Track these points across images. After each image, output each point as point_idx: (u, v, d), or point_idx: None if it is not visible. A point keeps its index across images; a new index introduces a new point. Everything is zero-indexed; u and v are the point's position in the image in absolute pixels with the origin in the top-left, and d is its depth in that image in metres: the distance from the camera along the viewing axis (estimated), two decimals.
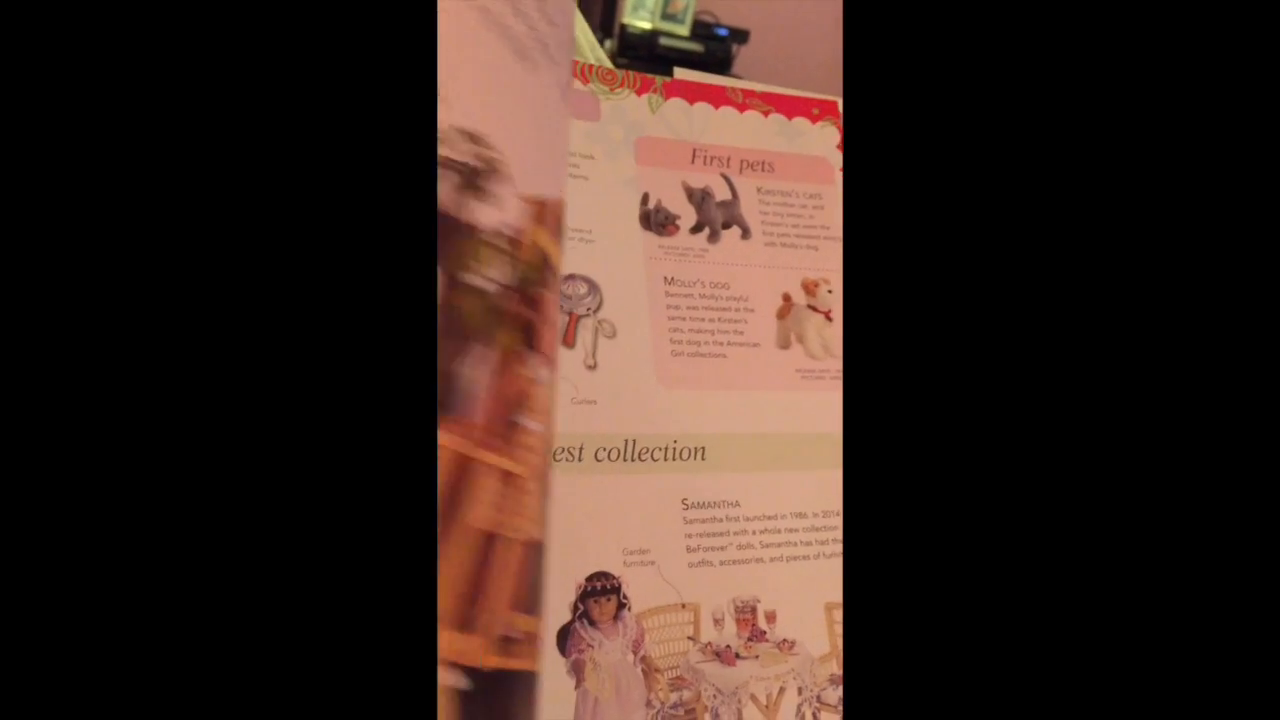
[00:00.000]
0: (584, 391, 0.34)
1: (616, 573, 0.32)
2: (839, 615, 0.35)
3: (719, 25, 1.80)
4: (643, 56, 1.71)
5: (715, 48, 1.76)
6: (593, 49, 0.47)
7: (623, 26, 1.73)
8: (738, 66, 1.87)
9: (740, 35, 1.82)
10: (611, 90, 0.39)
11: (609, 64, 0.44)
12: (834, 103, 0.45)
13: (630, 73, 0.39)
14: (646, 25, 1.73)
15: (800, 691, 0.34)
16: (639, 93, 0.39)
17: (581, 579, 0.31)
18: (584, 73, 0.38)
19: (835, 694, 0.35)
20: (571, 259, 0.35)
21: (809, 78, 0.47)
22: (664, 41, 1.72)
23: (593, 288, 0.35)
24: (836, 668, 0.35)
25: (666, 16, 1.75)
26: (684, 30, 1.76)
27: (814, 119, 0.43)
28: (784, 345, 0.39)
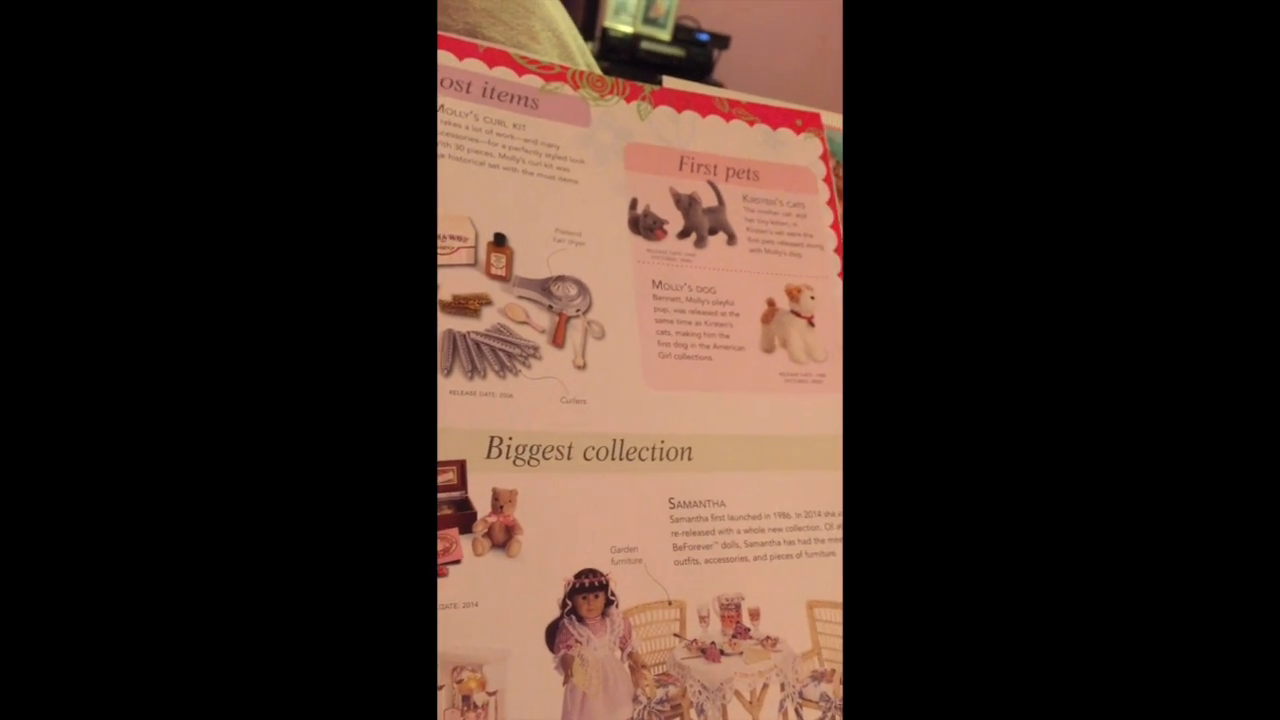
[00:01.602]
0: (573, 391, 0.34)
1: (604, 570, 0.33)
2: (821, 613, 0.36)
3: (700, 30, 1.82)
4: (624, 60, 1.72)
5: (697, 53, 1.77)
6: (582, 54, 0.48)
7: (604, 30, 1.74)
8: (719, 72, 1.88)
9: (721, 41, 1.83)
10: (601, 97, 0.39)
11: (598, 70, 0.45)
12: (817, 115, 0.46)
13: (620, 80, 0.40)
14: (628, 29, 1.74)
15: (783, 688, 0.35)
16: (628, 100, 0.40)
17: (570, 576, 0.32)
18: (574, 79, 0.39)
19: (816, 690, 0.35)
20: (561, 260, 0.36)
21: (790, 83, 0.48)
22: (645, 46, 1.73)
23: (582, 289, 0.36)
24: (818, 664, 0.36)
25: (648, 21, 1.76)
26: (665, 35, 1.77)
27: (798, 130, 0.44)
28: (768, 349, 0.40)
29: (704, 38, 1.77)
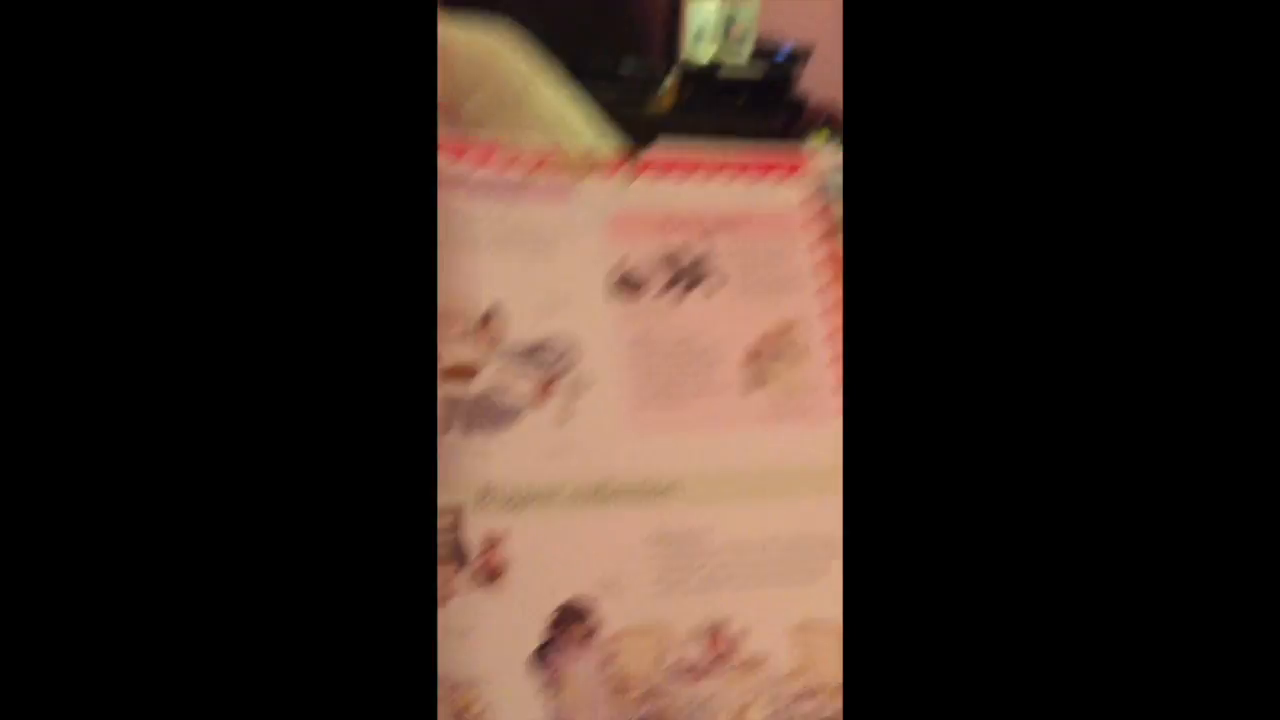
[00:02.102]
0: (558, 444, 0.39)
1: (589, 599, 0.37)
2: (807, 637, 0.39)
3: (780, 49, 1.82)
4: (704, 90, 1.76)
5: (773, 72, 1.78)
6: (588, 122, 0.52)
7: (683, 63, 1.79)
8: (802, 85, 1.88)
9: (802, 54, 1.83)
10: (584, 176, 0.44)
11: (607, 138, 0.49)
12: (802, 159, 0.48)
13: (599, 160, 0.45)
14: (705, 61, 1.79)
15: (768, 707, 0.37)
16: (610, 174, 0.45)
17: (555, 606, 0.36)
18: (557, 164, 0.44)
19: (801, 710, 0.38)
20: (545, 327, 0.41)
21: None
22: (723, 74, 1.76)
23: (565, 350, 0.41)
24: (804, 685, 0.38)
25: (729, 42, 1.79)
26: (743, 60, 1.79)
27: (781, 178, 0.47)
28: (752, 389, 0.43)
29: (780, 57, 1.78)
